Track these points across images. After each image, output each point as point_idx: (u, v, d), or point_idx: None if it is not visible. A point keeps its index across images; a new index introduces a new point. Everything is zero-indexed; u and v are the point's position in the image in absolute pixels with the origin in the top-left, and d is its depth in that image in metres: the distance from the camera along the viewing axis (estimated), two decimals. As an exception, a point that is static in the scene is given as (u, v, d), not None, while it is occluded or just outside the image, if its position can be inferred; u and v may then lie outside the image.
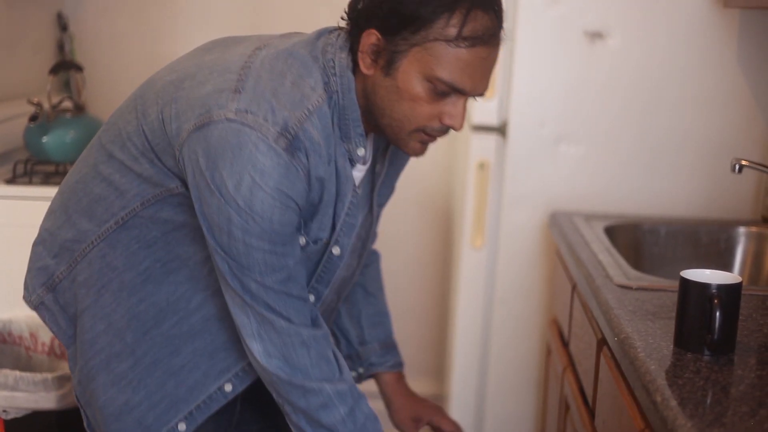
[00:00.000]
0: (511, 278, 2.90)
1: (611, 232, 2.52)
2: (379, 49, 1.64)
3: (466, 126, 2.99)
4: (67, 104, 2.93)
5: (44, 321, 1.87)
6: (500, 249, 2.89)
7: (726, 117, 2.76)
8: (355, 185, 1.76)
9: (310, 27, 3.37)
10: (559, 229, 2.58)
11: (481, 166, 2.86)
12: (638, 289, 2.00)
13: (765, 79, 2.74)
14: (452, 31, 1.59)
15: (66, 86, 3.32)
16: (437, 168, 3.53)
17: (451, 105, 1.65)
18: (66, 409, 2.41)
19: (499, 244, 2.89)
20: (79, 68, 3.05)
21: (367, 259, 2.13)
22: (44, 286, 1.85)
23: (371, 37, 1.64)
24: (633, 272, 2.10)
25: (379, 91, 1.66)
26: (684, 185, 2.80)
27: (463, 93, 1.65)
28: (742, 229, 2.59)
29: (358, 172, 1.80)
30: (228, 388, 1.82)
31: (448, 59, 1.60)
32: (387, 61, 1.64)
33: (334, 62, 1.67)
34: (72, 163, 2.78)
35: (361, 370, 2.15)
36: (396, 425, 2.16)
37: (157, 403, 1.79)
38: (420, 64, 1.61)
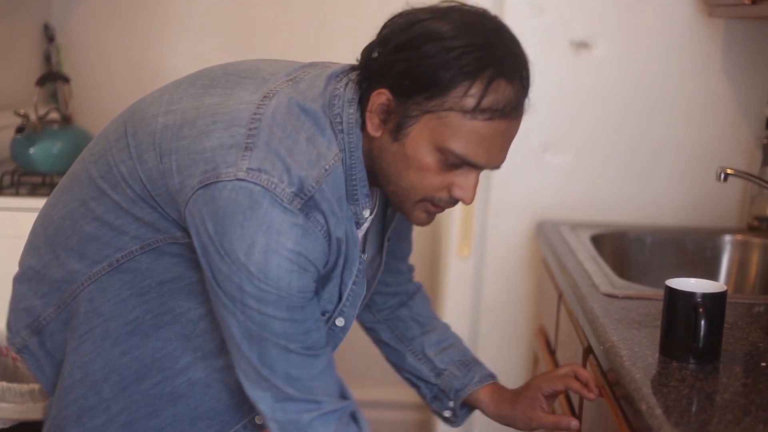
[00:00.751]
0: (498, 287, 2.91)
1: (597, 240, 2.53)
2: (389, 110, 1.50)
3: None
4: (54, 115, 2.93)
5: (27, 367, 1.73)
6: (487, 258, 2.89)
7: (711, 126, 2.77)
8: (362, 249, 1.64)
9: (294, 36, 3.40)
10: (546, 238, 2.59)
11: (468, 176, 2.86)
12: (624, 297, 2.00)
13: (750, 88, 2.75)
14: (470, 102, 1.45)
15: (53, 97, 3.31)
16: (424, 177, 3.53)
17: (462, 177, 1.52)
18: (53, 420, 2.41)
19: (486, 254, 2.89)
20: (66, 79, 3.05)
21: (407, 295, 1.99)
22: (29, 328, 1.70)
23: (381, 97, 1.50)
24: (619, 281, 2.11)
25: (386, 156, 1.53)
26: (670, 194, 2.80)
27: (477, 167, 1.52)
28: (727, 238, 2.60)
29: (367, 223, 1.67)
30: None
31: (463, 132, 1.46)
32: (396, 125, 1.50)
33: (341, 118, 1.53)
34: (59, 174, 2.78)
35: (451, 403, 1.91)
36: (528, 428, 1.84)
37: None
38: (432, 133, 1.47)
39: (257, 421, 1.68)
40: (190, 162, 1.50)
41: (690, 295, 1.59)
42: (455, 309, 2.95)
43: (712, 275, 2.54)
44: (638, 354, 1.65)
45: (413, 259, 3.72)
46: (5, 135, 2.89)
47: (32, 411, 2.37)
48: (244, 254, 1.45)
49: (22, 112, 2.76)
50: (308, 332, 1.53)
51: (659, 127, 2.78)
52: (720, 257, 2.59)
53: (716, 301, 1.60)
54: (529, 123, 2.77)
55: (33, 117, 2.80)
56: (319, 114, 1.52)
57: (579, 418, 2.02)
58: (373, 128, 1.52)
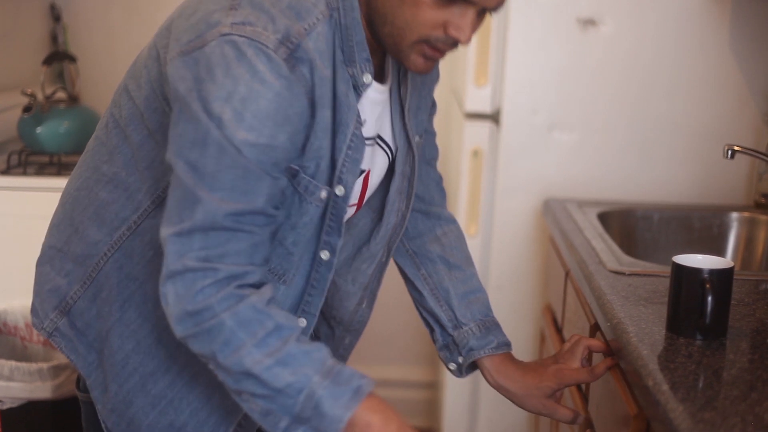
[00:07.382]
0: (505, 265, 2.91)
1: (604, 218, 2.53)
2: None
3: (459, 113, 2.99)
4: (61, 95, 2.94)
5: (61, 349, 1.67)
6: (494, 236, 2.89)
7: (718, 103, 2.77)
8: (359, 116, 1.55)
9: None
10: (553, 216, 2.59)
11: (475, 154, 2.86)
12: (631, 274, 2.01)
13: (757, 65, 2.74)
14: None
15: (60, 77, 3.32)
16: (431, 156, 3.53)
17: (458, 15, 1.44)
18: (61, 398, 2.42)
19: (493, 232, 2.89)
20: (72, 59, 3.05)
21: (440, 225, 1.92)
22: (57, 309, 1.66)
23: None
24: (626, 258, 2.11)
25: None
26: (677, 171, 2.80)
27: (471, 4, 1.44)
28: (734, 215, 2.59)
29: (380, 94, 1.61)
30: None
31: None
32: None
33: None
34: (66, 153, 2.79)
35: (460, 359, 1.83)
36: (534, 411, 1.79)
37: (205, 420, 1.65)
38: None
39: None
40: (174, 43, 1.46)
41: (697, 271, 1.59)
42: (462, 287, 2.95)
43: (719, 252, 2.54)
44: (645, 330, 1.65)
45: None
46: (12, 114, 2.89)
47: (40, 390, 2.39)
48: (222, 101, 1.38)
49: (29, 91, 2.76)
50: (252, 202, 1.44)
51: (666, 105, 2.78)
52: (727, 234, 2.59)
53: (723, 277, 1.60)
54: (535, 100, 2.80)
55: (40, 96, 2.81)
56: None
57: (586, 394, 2.03)
58: None
